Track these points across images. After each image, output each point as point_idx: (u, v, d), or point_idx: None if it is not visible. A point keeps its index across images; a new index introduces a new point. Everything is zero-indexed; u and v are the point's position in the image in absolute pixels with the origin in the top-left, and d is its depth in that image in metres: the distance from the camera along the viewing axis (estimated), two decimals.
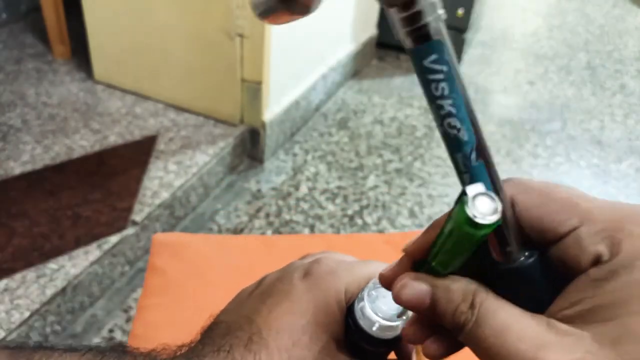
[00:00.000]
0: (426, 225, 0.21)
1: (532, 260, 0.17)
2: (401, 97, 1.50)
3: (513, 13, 2.14)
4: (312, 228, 1.05)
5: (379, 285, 0.22)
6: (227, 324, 0.22)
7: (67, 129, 1.15)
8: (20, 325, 0.75)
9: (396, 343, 0.22)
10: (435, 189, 1.19)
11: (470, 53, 1.76)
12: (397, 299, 0.18)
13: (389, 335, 0.21)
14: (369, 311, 0.21)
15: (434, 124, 1.52)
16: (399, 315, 0.21)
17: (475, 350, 0.17)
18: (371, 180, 1.19)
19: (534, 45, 1.90)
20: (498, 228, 0.16)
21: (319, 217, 1.07)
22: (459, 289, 0.18)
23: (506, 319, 0.16)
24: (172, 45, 1.16)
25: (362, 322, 0.21)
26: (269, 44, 1.08)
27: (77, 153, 1.07)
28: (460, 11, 1.55)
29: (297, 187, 1.15)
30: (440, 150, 1.32)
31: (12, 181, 0.99)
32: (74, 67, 1.37)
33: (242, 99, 1.16)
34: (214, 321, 0.23)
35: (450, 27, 1.79)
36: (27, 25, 1.56)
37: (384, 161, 1.26)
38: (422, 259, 0.19)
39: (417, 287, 0.18)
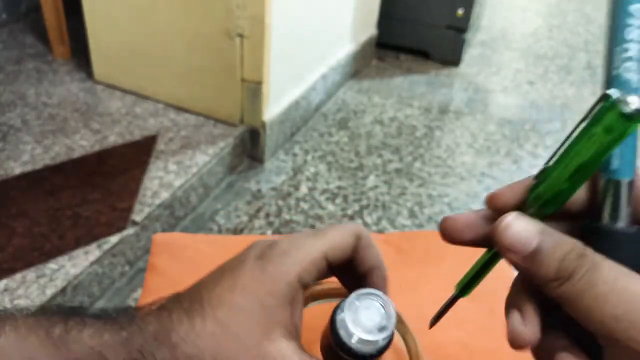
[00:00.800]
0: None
1: None
2: (401, 97, 1.50)
3: (513, 13, 2.14)
4: (312, 228, 1.05)
5: (364, 296, 0.21)
6: (181, 293, 0.22)
7: (67, 129, 1.15)
8: None
9: (376, 358, 0.21)
10: (435, 189, 1.19)
11: (470, 53, 1.76)
12: (499, 241, 0.17)
13: (369, 349, 0.20)
14: (348, 323, 0.20)
15: (434, 124, 1.52)
16: (380, 330, 0.21)
17: (577, 305, 0.16)
18: (371, 180, 1.19)
19: (534, 45, 1.90)
20: (620, 187, 0.17)
21: (319, 217, 1.07)
22: (567, 238, 0.17)
23: (624, 271, 0.16)
24: (172, 45, 1.16)
25: (342, 333, 0.20)
26: (269, 44, 1.08)
27: (77, 153, 1.07)
28: (460, 11, 1.55)
29: (297, 187, 1.15)
30: (441, 150, 1.32)
31: (12, 181, 0.99)
32: (74, 67, 1.37)
33: (242, 99, 1.16)
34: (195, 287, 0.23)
35: (450, 27, 1.77)
36: (27, 25, 1.56)
37: (384, 161, 1.26)
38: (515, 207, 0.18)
39: (525, 226, 0.17)
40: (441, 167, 1.25)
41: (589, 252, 0.17)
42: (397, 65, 1.66)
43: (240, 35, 1.07)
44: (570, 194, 0.18)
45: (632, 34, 0.17)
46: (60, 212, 0.92)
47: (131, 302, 0.88)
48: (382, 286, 0.23)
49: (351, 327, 0.20)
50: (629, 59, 0.17)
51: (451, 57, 1.65)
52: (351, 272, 0.23)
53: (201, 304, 0.20)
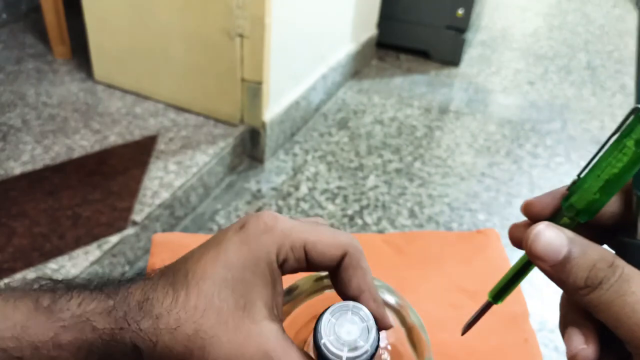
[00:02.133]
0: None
1: None
2: (401, 97, 1.50)
3: (513, 13, 2.14)
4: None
5: (338, 311, 0.21)
6: (169, 266, 0.21)
7: (67, 129, 1.15)
8: None
9: None
10: (436, 189, 1.19)
11: (470, 53, 1.76)
12: (529, 250, 0.18)
13: (362, 357, 0.20)
14: (332, 347, 0.20)
15: (434, 124, 1.51)
16: (351, 349, 0.20)
17: (605, 313, 0.17)
18: (371, 180, 1.19)
19: (534, 45, 1.90)
20: None
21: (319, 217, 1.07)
22: (596, 248, 0.18)
23: None
24: (172, 45, 1.16)
25: (331, 356, 0.20)
26: (269, 44, 1.08)
27: (77, 153, 1.07)
28: (460, 11, 1.55)
29: (297, 187, 1.15)
30: (441, 150, 1.32)
31: (12, 181, 0.98)
32: (74, 67, 1.37)
33: (242, 99, 1.16)
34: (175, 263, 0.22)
35: (450, 27, 1.77)
36: (27, 25, 1.56)
37: (384, 161, 1.26)
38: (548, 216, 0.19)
39: (555, 236, 0.17)
40: (441, 167, 1.25)
41: (619, 262, 0.17)
42: (397, 65, 1.66)
43: (240, 35, 1.07)
44: (602, 205, 0.18)
45: None
46: (60, 212, 0.92)
47: None
48: (374, 310, 0.22)
49: (337, 351, 0.20)
50: None
51: (451, 57, 1.65)
52: (342, 285, 0.22)
53: (186, 276, 0.20)
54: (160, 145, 1.12)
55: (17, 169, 1.02)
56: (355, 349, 0.20)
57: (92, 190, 0.98)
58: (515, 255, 0.83)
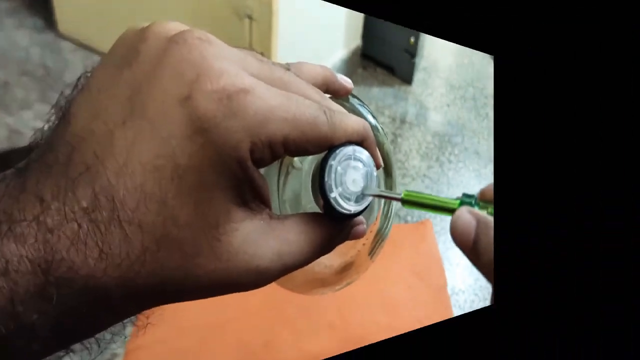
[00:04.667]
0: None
1: None
2: (377, 105, 1.72)
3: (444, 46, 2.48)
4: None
5: (342, 157, 0.18)
6: (81, 135, 0.14)
7: (9, 102, 0.98)
8: None
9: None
10: (397, 187, 1.43)
11: (418, 75, 2.06)
12: (451, 231, 0.18)
13: (368, 206, 0.19)
14: (342, 201, 0.18)
15: (397, 132, 1.72)
16: (357, 200, 0.19)
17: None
18: None
19: (455, 73, 2.27)
20: None
21: None
22: None
23: None
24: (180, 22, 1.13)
25: (342, 209, 0.18)
26: (277, 29, 1.06)
27: (28, 140, 0.96)
28: (412, 39, 1.81)
29: None
30: (400, 154, 1.57)
31: None
32: (24, 8, 1.13)
33: None
34: (70, 112, 0.15)
35: (407, 50, 1.95)
36: None
37: None
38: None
39: (467, 218, 0.18)
40: (400, 170, 1.52)
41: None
42: (375, 76, 1.87)
43: (249, 17, 1.04)
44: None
45: None
46: None
47: None
48: (372, 151, 0.19)
49: (347, 205, 0.18)
50: None
51: (407, 77, 1.92)
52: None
53: (124, 207, 0.13)
54: None
55: None
56: (362, 198, 0.19)
57: None
58: (443, 239, 1.19)
